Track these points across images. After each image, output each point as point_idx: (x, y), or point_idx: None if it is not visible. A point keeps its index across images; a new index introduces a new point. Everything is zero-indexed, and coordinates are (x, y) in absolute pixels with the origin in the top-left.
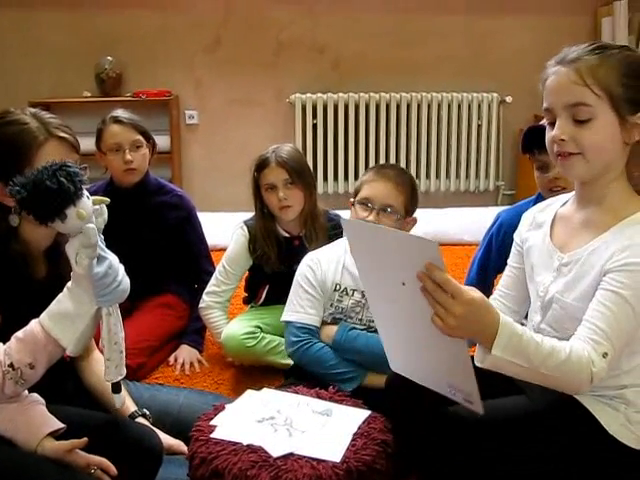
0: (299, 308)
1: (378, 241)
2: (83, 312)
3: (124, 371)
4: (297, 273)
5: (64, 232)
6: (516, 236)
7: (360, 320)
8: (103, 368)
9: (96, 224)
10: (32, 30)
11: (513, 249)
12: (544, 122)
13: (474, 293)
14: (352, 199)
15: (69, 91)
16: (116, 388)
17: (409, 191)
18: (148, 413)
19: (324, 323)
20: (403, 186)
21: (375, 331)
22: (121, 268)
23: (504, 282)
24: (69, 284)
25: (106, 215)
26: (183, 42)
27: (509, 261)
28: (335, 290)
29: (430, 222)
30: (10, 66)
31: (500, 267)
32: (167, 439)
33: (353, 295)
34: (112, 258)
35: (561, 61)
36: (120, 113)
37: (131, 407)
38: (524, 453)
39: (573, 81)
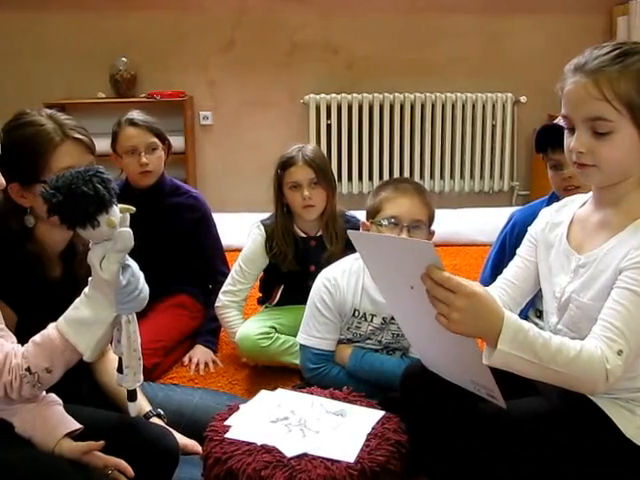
0: (316, 333)
1: (383, 249)
2: (101, 318)
3: (142, 378)
4: (313, 291)
5: (89, 238)
6: (530, 229)
7: (379, 342)
8: (116, 374)
9: None
10: (46, 32)
11: (526, 241)
12: (559, 122)
13: (476, 287)
14: (368, 221)
15: (84, 92)
16: (132, 396)
17: (430, 204)
18: (163, 413)
19: (339, 342)
20: (425, 199)
21: (393, 351)
22: (141, 275)
23: (513, 272)
24: (86, 290)
25: (128, 222)
26: (197, 43)
27: (520, 252)
28: (354, 315)
29: (444, 223)
30: (25, 68)
31: None
32: (182, 439)
33: (372, 321)
34: (134, 266)
35: (581, 69)
36: (135, 115)
37: (146, 407)
38: (538, 454)
39: (593, 95)
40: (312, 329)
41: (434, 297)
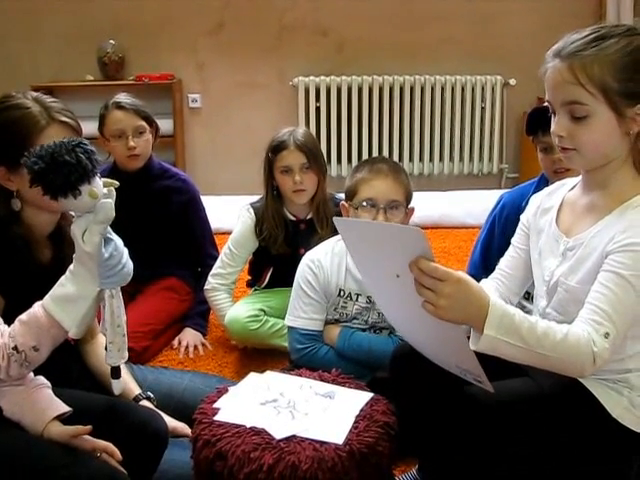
0: (302, 314)
1: (369, 236)
2: (86, 293)
3: (126, 355)
4: (298, 274)
5: (71, 210)
6: (523, 217)
7: (366, 322)
8: (104, 352)
9: None
10: (34, 14)
11: (518, 230)
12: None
13: (463, 274)
14: (346, 202)
15: (71, 75)
16: (116, 373)
17: (406, 182)
18: (152, 396)
19: (327, 323)
20: (401, 178)
21: (380, 330)
22: (125, 251)
23: (508, 263)
24: (71, 266)
25: (114, 197)
26: (186, 25)
27: (514, 241)
28: (339, 295)
29: (434, 205)
30: (12, 50)
31: (503, 248)
32: (171, 422)
33: (357, 300)
34: (117, 240)
35: (558, 54)
36: (122, 98)
37: (135, 390)
38: (525, 436)
39: (567, 80)
40: (298, 310)
41: (421, 285)
